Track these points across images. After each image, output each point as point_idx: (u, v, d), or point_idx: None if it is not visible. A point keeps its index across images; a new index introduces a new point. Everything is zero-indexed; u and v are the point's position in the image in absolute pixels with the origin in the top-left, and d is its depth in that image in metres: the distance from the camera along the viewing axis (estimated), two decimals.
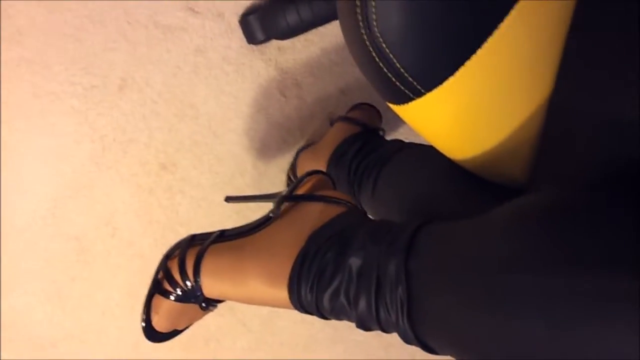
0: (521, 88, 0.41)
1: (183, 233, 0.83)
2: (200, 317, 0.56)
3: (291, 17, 0.74)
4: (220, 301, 0.55)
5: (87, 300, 0.81)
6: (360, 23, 0.39)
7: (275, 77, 0.82)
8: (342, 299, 0.43)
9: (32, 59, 0.72)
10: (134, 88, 0.76)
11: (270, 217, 0.52)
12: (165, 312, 0.53)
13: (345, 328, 0.94)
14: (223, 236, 0.53)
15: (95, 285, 0.81)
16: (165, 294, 0.52)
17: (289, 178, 0.83)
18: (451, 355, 0.40)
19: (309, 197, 0.53)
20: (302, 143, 0.86)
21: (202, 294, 0.51)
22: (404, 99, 0.43)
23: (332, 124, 0.86)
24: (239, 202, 0.62)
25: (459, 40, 0.38)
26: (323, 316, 0.46)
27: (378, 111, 0.79)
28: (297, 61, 0.83)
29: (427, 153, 0.57)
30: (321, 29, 0.80)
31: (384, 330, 0.44)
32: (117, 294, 0.82)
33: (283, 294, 0.46)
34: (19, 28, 0.71)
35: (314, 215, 0.51)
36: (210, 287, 0.50)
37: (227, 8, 0.77)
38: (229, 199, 0.62)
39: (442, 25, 0.38)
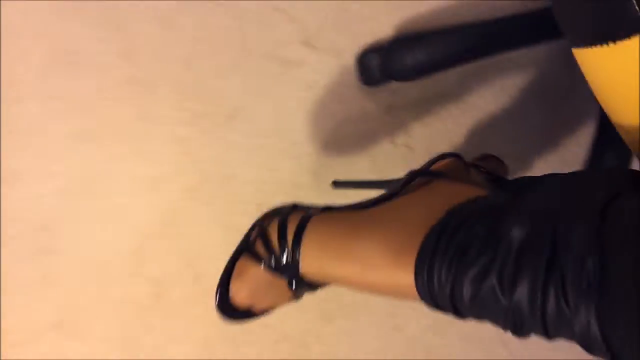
0: None
1: None
2: (281, 303, 0.46)
3: (419, 56, 0.69)
4: (311, 288, 0.45)
5: (159, 353, 0.71)
6: None
7: (385, 121, 0.76)
8: (493, 279, 0.32)
9: (141, 79, 0.67)
10: (244, 119, 0.70)
11: (393, 194, 0.43)
12: (249, 279, 0.44)
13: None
14: (331, 208, 0.45)
15: (169, 336, 0.71)
16: (257, 258, 0.44)
17: None
18: None
19: (447, 176, 0.44)
20: None
21: (297, 267, 0.42)
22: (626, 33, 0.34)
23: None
24: (349, 188, 0.54)
25: None
26: (456, 310, 0.36)
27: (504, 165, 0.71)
28: (410, 107, 0.77)
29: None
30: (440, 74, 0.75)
31: (546, 332, 0.32)
32: (192, 349, 0.72)
33: (406, 275, 0.37)
34: (133, 44, 0.66)
35: (452, 191, 0.42)
36: (310, 259, 0.42)
37: (348, 46, 0.72)
38: (337, 184, 0.53)
39: None
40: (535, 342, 0.35)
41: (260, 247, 0.44)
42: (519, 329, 0.33)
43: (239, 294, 0.44)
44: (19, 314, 0.68)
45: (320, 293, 0.72)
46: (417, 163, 0.79)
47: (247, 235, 0.46)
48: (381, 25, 0.72)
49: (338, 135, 0.75)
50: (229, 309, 0.45)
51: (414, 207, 0.41)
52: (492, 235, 0.34)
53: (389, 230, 0.39)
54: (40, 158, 0.64)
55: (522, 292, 0.31)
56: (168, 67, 0.67)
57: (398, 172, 0.78)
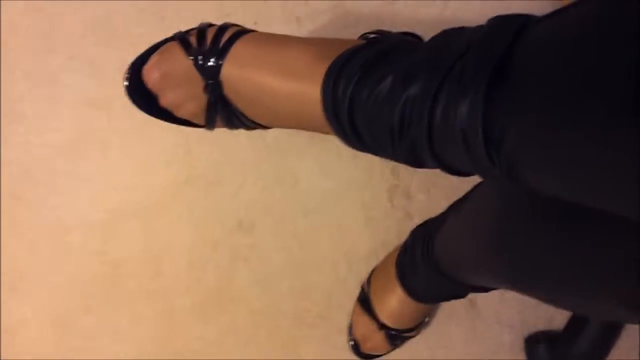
0: None
1: (229, 309, 0.69)
2: (190, 109, 0.45)
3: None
4: (224, 108, 0.45)
5: (90, 344, 0.67)
6: None
7: None
8: (389, 78, 0.34)
9: None
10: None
11: None
12: (169, 61, 0.43)
13: None
14: None
15: (108, 329, 0.67)
16: (186, 46, 0.43)
17: (362, 291, 0.68)
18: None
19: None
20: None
21: (219, 70, 0.42)
22: None
23: None
24: None
25: None
26: (352, 122, 0.37)
27: None
28: None
29: None
30: None
31: (430, 138, 0.32)
32: (129, 350, 0.67)
33: (316, 84, 0.38)
34: None
35: None
36: (234, 63, 0.42)
37: None
38: None
39: None
40: None
41: (193, 40, 0.44)
42: (405, 131, 0.33)
43: (153, 70, 0.43)
44: None
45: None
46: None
47: (185, 31, 0.45)
48: None
49: None
50: (136, 83, 0.44)
51: (351, 41, 0.42)
52: (397, 51, 0.36)
53: (317, 44, 0.41)
54: (49, 109, 0.67)
55: (416, 88, 0.32)
56: None
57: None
